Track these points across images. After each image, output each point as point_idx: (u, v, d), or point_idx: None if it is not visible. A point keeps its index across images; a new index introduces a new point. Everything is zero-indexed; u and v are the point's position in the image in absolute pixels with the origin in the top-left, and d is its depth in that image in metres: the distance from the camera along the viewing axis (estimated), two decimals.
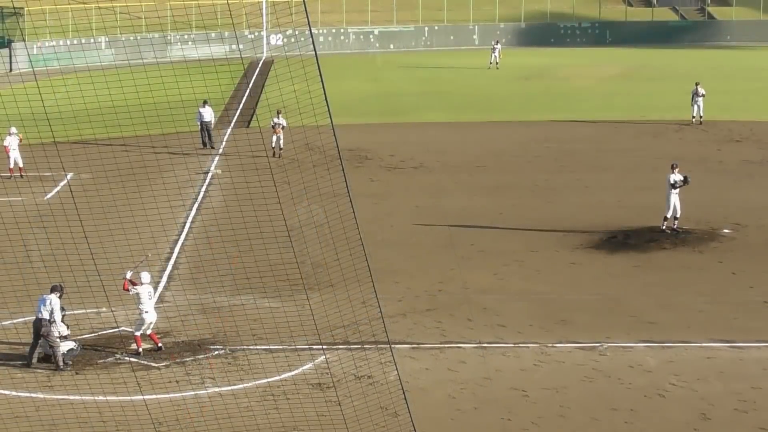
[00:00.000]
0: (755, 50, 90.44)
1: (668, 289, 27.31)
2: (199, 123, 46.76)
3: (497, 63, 78.93)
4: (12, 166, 41.54)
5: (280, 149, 44.22)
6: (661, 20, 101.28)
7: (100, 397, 20.09)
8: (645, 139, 48.63)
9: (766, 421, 19.41)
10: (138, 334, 22.93)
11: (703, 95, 51.49)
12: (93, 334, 23.83)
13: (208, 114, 47.16)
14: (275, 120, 44.54)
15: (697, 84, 52.06)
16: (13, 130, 40.78)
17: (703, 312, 25.49)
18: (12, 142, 41.49)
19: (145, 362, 22.35)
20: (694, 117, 51.76)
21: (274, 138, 44.58)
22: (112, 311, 23.42)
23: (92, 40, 79.20)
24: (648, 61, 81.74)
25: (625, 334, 23.93)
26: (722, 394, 20.61)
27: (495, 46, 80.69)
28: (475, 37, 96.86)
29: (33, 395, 20.59)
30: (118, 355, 22.74)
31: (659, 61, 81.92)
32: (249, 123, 52.94)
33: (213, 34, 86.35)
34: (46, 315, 22.18)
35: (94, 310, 24.39)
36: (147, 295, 23.09)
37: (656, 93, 63.92)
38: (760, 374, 21.61)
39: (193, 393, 20.59)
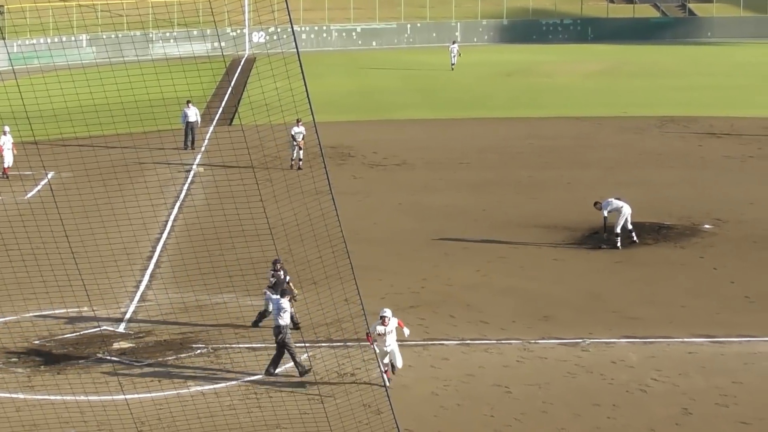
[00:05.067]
0: (736, 46, 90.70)
1: (650, 284, 27.37)
2: (184, 123, 46.07)
3: (453, 64, 76.56)
4: (6, 165, 40.80)
5: (300, 160, 41.00)
6: (642, 17, 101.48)
7: (82, 397, 20.02)
8: (627, 135, 48.72)
9: (747, 415, 19.49)
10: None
11: None
12: (74, 334, 23.74)
13: (193, 114, 45.97)
14: (296, 129, 39.90)
15: None
16: (7, 128, 40.21)
17: (685, 307, 25.56)
18: (6, 142, 40.84)
19: (127, 362, 22.29)
20: None
21: (295, 151, 41.02)
22: (93, 311, 23.32)
23: (73, 38, 78.90)
24: (630, 58, 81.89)
25: (607, 329, 23.98)
26: (704, 388, 20.68)
27: (453, 46, 78.66)
28: (457, 33, 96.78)
29: (13, 396, 20.48)
30: (99, 355, 22.66)
31: (641, 58, 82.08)
32: (231, 121, 52.81)
33: (195, 32, 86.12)
34: (283, 323, 21.30)
35: (75, 309, 24.31)
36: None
37: (638, 89, 64.05)
38: (741, 369, 21.69)
39: (175, 392, 20.53)
